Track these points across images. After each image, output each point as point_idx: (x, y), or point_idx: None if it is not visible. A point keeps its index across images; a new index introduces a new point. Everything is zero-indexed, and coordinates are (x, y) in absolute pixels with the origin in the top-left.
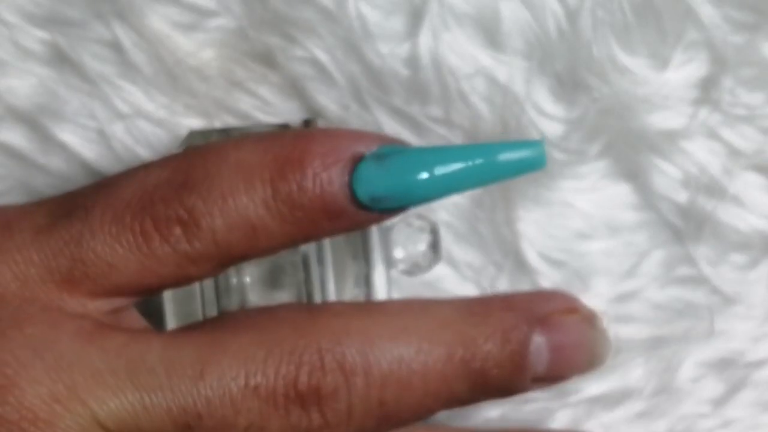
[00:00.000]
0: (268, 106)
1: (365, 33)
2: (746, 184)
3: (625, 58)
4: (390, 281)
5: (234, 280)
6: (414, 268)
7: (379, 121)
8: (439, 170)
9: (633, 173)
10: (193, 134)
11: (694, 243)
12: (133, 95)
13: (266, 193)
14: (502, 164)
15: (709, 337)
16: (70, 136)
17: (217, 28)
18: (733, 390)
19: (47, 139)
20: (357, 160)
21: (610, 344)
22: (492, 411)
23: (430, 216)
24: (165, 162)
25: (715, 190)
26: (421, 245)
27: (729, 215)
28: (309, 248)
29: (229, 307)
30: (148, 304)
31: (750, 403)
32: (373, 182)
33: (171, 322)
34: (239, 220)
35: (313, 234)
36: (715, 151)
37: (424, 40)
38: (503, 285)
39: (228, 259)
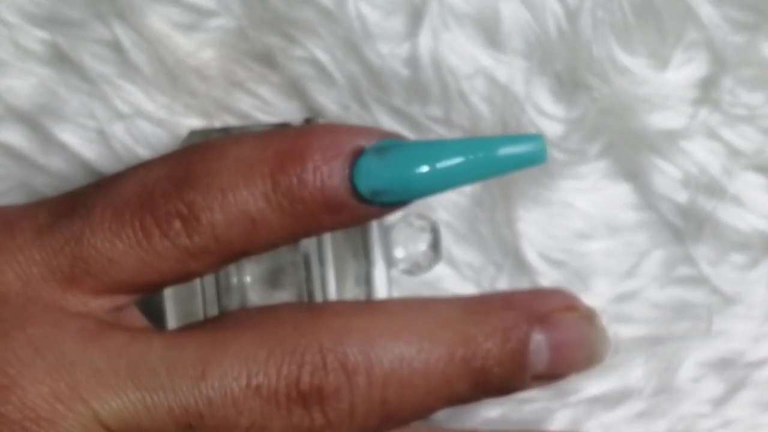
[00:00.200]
0: (268, 106)
1: (365, 33)
2: (746, 184)
3: (625, 58)
4: (390, 280)
5: (235, 280)
6: (414, 268)
7: (379, 121)
8: (440, 164)
9: (633, 173)
10: (194, 134)
11: (694, 243)
12: (133, 95)
13: (266, 186)
14: (502, 158)
15: (706, 336)
16: (70, 136)
17: (217, 28)
18: (733, 390)
19: (47, 139)
20: (357, 154)
21: (609, 342)
22: (492, 411)
23: (431, 215)
24: (165, 159)
25: (715, 190)
26: (422, 245)
27: (729, 215)
28: (310, 247)
29: (229, 307)
30: (149, 303)
31: (750, 403)
32: (373, 175)
33: (172, 322)
34: (239, 215)
35: (314, 228)
36: (715, 151)
37: (424, 40)
38: (503, 285)
39: (228, 253)
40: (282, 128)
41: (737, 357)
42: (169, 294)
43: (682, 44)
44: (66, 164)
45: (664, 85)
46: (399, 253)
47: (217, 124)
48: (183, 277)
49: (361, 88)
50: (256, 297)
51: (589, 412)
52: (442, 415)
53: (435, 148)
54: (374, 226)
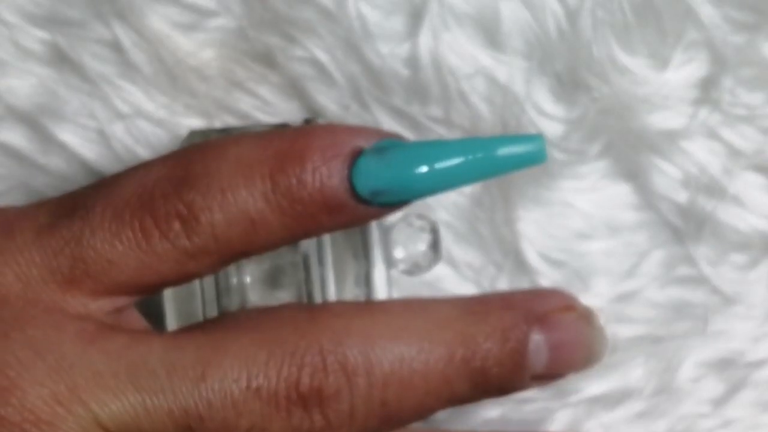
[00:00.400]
0: (268, 106)
1: (365, 33)
2: (746, 184)
3: (625, 58)
4: (390, 281)
5: (234, 280)
6: (414, 268)
7: (378, 121)
8: (439, 164)
9: (633, 173)
10: (194, 134)
11: (694, 243)
12: (133, 95)
13: (265, 186)
14: (501, 158)
15: (703, 336)
16: (70, 136)
17: (217, 28)
18: (733, 390)
19: (47, 139)
20: (357, 154)
21: (607, 341)
22: (492, 411)
23: (431, 216)
24: (165, 159)
25: (715, 190)
26: (422, 245)
27: (729, 215)
28: (309, 248)
29: (229, 307)
30: (148, 304)
31: (750, 403)
32: (372, 176)
33: (171, 323)
34: (238, 215)
35: (313, 229)
36: (715, 151)
37: (424, 40)
38: (503, 285)
39: (228, 254)
40: (281, 129)
41: (737, 357)
42: (168, 295)
43: (682, 44)
44: (66, 164)
45: (664, 85)
46: (399, 253)
47: (217, 124)
48: (183, 278)
49: (361, 88)
50: (255, 298)
51: (589, 412)
52: (442, 416)
53: (434, 149)
54: (374, 226)
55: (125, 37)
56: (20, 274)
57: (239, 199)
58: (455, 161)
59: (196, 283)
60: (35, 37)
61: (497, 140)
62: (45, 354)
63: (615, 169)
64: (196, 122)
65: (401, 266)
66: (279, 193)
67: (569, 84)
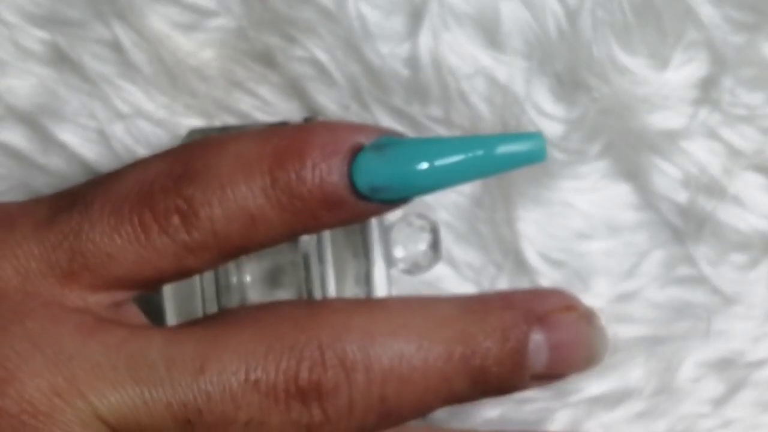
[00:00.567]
0: (268, 106)
1: (365, 33)
2: (746, 184)
3: (625, 58)
4: (390, 280)
5: (234, 279)
6: (414, 268)
7: (378, 121)
8: (439, 161)
9: (633, 173)
10: (193, 133)
11: (694, 243)
12: (133, 95)
13: (265, 182)
14: (501, 156)
15: (705, 337)
16: (70, 136)
17: (217, 28)
18: (733, 390)
19: (47, 139)
20: (356, 151)
21: (608, 342)
22: (492, 411)
23: (431, 215)
24: (164, 155)
25: (715, 190)
26: (422, 244)
27: (729, 215)
28: (309, 246)
29: (229, 306)
30: (148, 302)
31: (750, 403)
32: (372, 172)
33: (171, 321)
34: (238, 210)
35: (312, 225)
36: (715, 151)
37: (424, 40)
38: (503, 285)
39: (227, 249)
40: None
41: (737, 357)
42: (168, 293)
43: (682, 44)
44: (66, 164)
45: (664, 85)
46: (399, 252)
47: (217, 124)
48: (182, 273)
49: (361, 88)
50: (255, 296)
51: (589, 412)
52: (441, 415)
53: (434, 146)
54: (374, 225)
55: (125, 37)
56: (19, 267)
57: (239, 195)
58: (455, 158)
59: (196, 281)
60: (35, 37)
61: (497, 138)
62: (44, 346)
63: (615, 169)
64: (196, 122)
65: (401, 265)
66: (278, 189)
67: (569, 84)
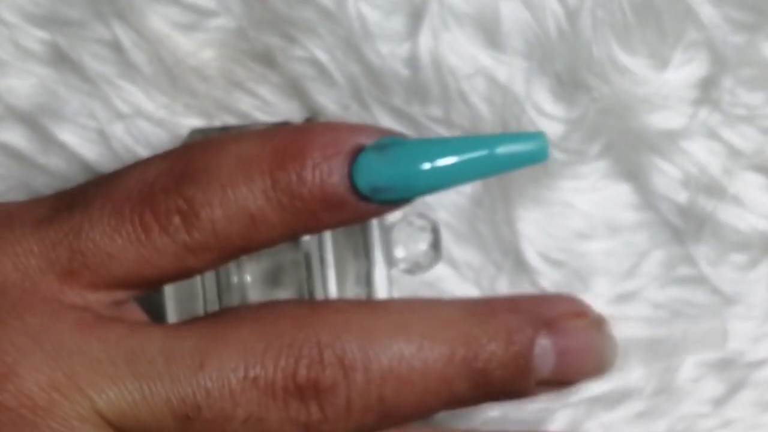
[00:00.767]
0: (268, 106)
1: (365, 33)
2: (746, 184)
3: (625, 58)
4: (391, 280)
5: (235, 279)
6: (415, 267)
7: (379, 121)
8: (440, 161)
9: (633, 173)
10: (194, 133)
11: (694, 243)
12: (133, 95)
13: (265, 183)
14: (503, 156)
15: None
16: (70, 136)
17: (217, 28)
18: (733, 390)
19: (47, 139)
20: (357, 151)
21: (617, 349)
22: (492, 411)
23: (431, 215)
24: (165, 155)
25: (715, 190)
26: (422, 244)
27: (729, 215)
28: (310, 247)
29: (230, 306)
30: (149, 302)
31: (750, 403)
32: (373, 172)
33: (172, 321)
34: (238, 211)
35: (313, 226)
36: (715, 151)
37: (424, 40)
38: (503, 285)
39: (228, 250)
40: (282, 126)
41: (737, 357)
42: (170, 293)
43: (682, 44)
44: (66, 164)
45: (664, 85)
46: (399, 252)
47: (217, 124)
48: (182, 274)
49: (361, 88)
50: (256, 296)
51: (589, 412)
52: (442, 415)
53: (436, 146)
54: (375, 225)
55: (125, 37)
56: (18, 263)
57: (239, 196)
58: (456, 159)
59: (198, 281)
60: (35, 37)
61: (499, 138)
62: (43, 341)
63: (615, 169)
64: (196, 122)
65: (402, 265)
66: (279, 189)
67: (569, 84)
